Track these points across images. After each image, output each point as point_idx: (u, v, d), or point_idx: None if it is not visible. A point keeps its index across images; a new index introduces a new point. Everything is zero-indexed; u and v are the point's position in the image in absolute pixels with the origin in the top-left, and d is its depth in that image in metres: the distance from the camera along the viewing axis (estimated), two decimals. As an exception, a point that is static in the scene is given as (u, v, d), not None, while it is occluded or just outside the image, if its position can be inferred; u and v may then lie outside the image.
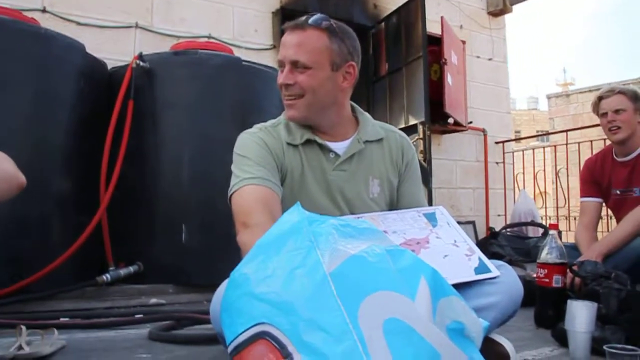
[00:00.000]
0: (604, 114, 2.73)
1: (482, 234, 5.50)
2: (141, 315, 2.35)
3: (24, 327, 1.69)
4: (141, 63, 2.95)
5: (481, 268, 1.37)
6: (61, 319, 2.25)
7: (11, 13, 2.73)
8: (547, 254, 2.09)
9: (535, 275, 2.17)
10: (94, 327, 2.18)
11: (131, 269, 2.82)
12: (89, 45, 3.04)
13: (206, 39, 4.11)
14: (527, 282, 1.98)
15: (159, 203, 2.95)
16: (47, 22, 3.41)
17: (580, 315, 1.68)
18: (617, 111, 2.69)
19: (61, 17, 3.66)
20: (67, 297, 2.60)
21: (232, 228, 1.45)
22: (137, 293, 2.80)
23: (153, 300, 2.77)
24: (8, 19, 2.61)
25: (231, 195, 1.48)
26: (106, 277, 2.69)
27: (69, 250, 2.54)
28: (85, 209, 2.75)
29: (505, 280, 1.39)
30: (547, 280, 2.06)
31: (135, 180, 2.93)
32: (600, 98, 2.78)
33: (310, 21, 1.53)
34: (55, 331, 1.80)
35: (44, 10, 3.60)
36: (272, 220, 1.34)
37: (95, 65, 3.03)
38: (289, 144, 1.58)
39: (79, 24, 3.72)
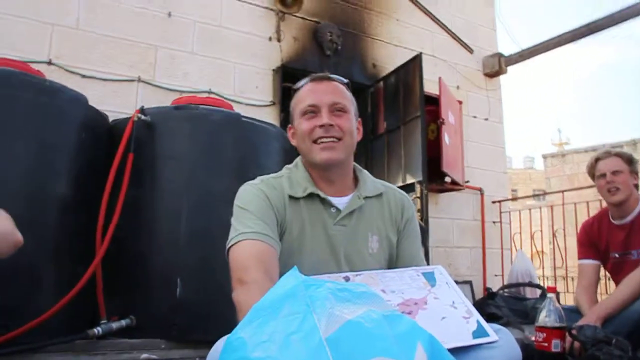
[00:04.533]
0: (602, 175, 2.75)
1: (479, 294, 5.44)
2: (131, 372, 2.30)
3: (10, 383, 1.65)
4: (142, 117, 2.98)
5: (479, 332, 1.34)
6: (48, 374, 2.20)
7: (18, 65, 2.79)
8: (545, 317, 2.07)
9: (533, 339, 2.14)
10: (82, 383, 2.13)
11: (123, 322, 2.76)
12: (91, 98, 3.09)
13: (207, 94, 4.19)
14: (525, 346, 1.96)
15: (154, 256, 2.92)
16: (52, 74, 3.48)
17: (581, 382, 1.64)
18: (614, 172, 2.71)
19: (66, 70, 3.74)
20: (56, 350, 2.53)
21: (228, 284, 1.43)
22: (129, 347, 2.73)
23: (144, 356, 2.70)
24: (15, 70, 2.66)
25: (229, 248, 1.47)
26: (97, 330, 2.63)
27: (60, 301, 2.49)
28: (79, 260, 2.72)
29: (503, 344, 1.36)
30: (546, 344, 2.03)
31: (132, 233, 2.91)
32: (597, 160, 2.81)
33: (333, 77, 1.66)
34: (42, 388, 1.76)
35: (49, 63, 3.68)
36: (267, 277, 1.34)
37: (96, 118, 3.06)
38: (291, 197, 1.58)
39: (83, 76, 3.80)
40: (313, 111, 1.58)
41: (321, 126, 1.55)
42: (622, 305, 2.44)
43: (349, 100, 1.63)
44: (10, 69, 2.67)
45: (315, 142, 1.58)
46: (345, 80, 1.68)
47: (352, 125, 1.61)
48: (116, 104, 3.84)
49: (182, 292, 2.83)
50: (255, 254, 1.42)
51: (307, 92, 1.61)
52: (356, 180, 1.71)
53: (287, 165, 1.71)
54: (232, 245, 1.46)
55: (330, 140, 1.56)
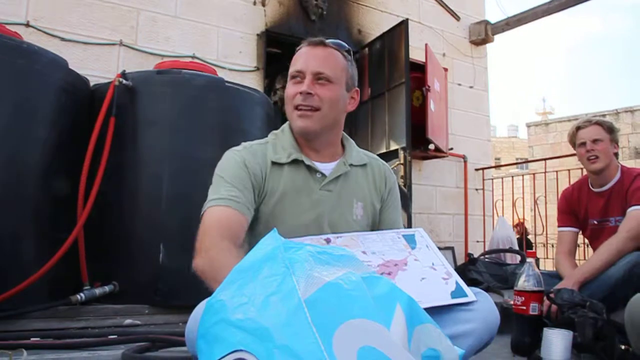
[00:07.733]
0: (582, 144, 2.78)
1: (461, 259, 5.52)
2: (115, 336, 2.31)
3: (-8, 347, 1.65)
4: (124, 81, 2.93)
5: (458, 292, 1.37)
6: (32, 339, 2.20)
7: (-7, 27, 2.72)
8: (524, 282, 2.11)
9: (512, 303, 2.18)
10: (66, 347, 2.13)
11: (106, 288, 2.77)
12: (72, 61, 3.03)
13: (190, 59, 4.12)
14: (504, 309, 2.00)
15: (136, 222, 2.92)
16: (30, 37, 3.40)
17: (556, 344, 1.69)
18: (594, 141, 2.74)
19: (45, 32, 3.65)
20: (39, 316, 2.54)
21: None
22: (112, 313, 2.74)
23: (128, 321, 2.72)
24: (-10, 33, 2.60)
25: (201, 216, 1.50)
26: (80, 296, 2.63)
27: (42, 268, 2.49)
28: (61, 226, 2.71)
29: (482, 307, 1.39)
30: (524, 307, 2.07)
31: (114, 198, 2.90)
32: (578, 128, 2.83)
33: (331, 42, 1.60)
34: (25, 352, 1.77)
35: (27, 25, 3.59)
36: (226, 242, 1.37)
37: (77, 82, 3.01)
38: (274, 162, 1.58)
39: (62, 39, 3.71)
40: (298, 76, 1.57)
41: (301, 93, 1.55)
42: (598, 271, 2.49)
43: (339, 69, 1.58)
44: (-14, 30, 2.61)
45: (296, 108, 1.57)
46: (346, 47, 1.64)
47: (337, 96, 1.57)
48: (97, 68, 3.77)
49: (165, 258, 2.83)
50: (220, 219, 1.44)
51: (299, 56, 1.60)
52: (343, 147, 1.72)
53: (273, 131, 1.71)
54: (203, 212, 1.49)
55: (307, 108, 1.55)
